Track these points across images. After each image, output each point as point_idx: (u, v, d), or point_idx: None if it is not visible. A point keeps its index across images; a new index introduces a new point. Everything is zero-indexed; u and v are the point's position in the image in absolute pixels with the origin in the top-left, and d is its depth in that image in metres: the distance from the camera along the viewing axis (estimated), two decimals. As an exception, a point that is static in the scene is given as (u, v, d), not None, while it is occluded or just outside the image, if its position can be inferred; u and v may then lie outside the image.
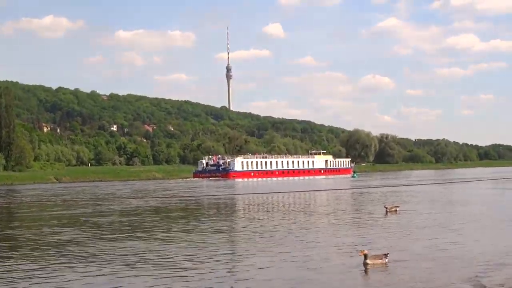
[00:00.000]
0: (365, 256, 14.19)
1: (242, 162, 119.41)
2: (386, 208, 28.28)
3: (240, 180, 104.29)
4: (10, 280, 13.55)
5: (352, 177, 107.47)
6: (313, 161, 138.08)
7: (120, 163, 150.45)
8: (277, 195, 46.30)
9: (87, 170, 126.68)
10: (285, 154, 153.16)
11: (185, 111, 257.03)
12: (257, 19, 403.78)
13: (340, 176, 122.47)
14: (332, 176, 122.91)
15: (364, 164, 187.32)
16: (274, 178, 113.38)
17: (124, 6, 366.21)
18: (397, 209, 28.39)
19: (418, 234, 19.91)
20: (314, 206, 34.37)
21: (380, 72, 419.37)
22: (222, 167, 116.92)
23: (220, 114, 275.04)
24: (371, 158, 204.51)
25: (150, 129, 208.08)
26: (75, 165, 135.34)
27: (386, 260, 14.36)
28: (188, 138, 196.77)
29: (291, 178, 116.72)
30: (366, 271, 13.70)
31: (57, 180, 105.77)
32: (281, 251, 16.53)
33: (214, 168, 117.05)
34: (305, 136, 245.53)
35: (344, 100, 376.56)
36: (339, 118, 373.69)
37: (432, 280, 12.65)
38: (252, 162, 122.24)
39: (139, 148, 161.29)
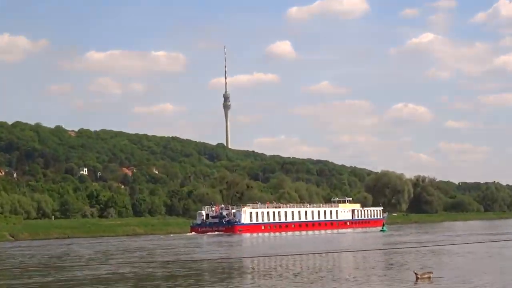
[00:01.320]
0: None
1: (250, 213, 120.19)
2: (417, 274, 27.93)
3: (248, 235, 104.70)
4: None
5: (381, 230, 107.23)
6: (337, 211, 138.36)
7: (91, 215, 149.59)
8: (293, 257, 45.81)
9: (51, 224, 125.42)
10: (297, 202, 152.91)
11: (173, 150, 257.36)
12: (261, 36, 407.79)
13: (371, 229, 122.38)
14: (360, 229, 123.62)
15: (395, 214, 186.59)
16: (290, 233, 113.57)
17: (96, 21, 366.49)
18: (430, 275, 28.01)
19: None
20: (336, 271, 33.89)
21: (414, 100, 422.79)
22: (227, 219, 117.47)
23: (216, 154, 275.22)
24: (404, 207, 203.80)
25: (129, 173, 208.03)
26: (35, 218, 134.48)
27: None
28: (177, 184, 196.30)
29: (310, 232, 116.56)
30: None
31: (12, 237, 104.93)
32: None
33: (217, 220, 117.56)
34: (321, 179, 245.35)
35: (369, 135, 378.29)
36: (363, 158, 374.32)
37: None
38: (262, 213, 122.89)
39: (116, 196, 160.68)
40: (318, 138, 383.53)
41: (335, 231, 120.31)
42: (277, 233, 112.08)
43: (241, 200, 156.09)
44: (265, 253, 53.29)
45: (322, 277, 31.05)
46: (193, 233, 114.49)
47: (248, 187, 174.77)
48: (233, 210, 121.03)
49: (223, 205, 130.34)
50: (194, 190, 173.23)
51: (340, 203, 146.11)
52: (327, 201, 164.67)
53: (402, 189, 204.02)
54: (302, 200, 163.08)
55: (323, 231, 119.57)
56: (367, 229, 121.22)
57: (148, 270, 38.50)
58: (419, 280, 27.20)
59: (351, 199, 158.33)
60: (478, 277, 28.81)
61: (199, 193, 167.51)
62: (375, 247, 55.52)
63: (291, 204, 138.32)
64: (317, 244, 68.53)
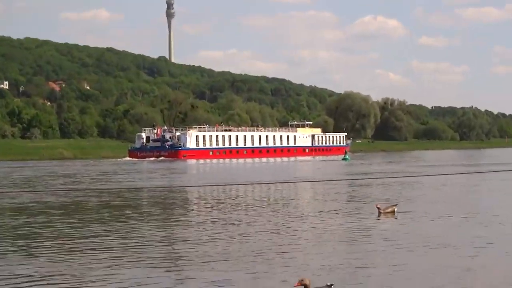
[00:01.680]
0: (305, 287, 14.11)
1: (197, 136, 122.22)
2: (379, 208, 28.32)
3: (194, 162, 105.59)
4: None
5: (343, 159, 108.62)
6: (294, 137, 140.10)
7: (12, 136, 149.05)
8: (245, 187, 46.04)
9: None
10: (249, 125, 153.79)
11: (107, 62, 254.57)
12: None
13: (332, 157, 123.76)
14: (321, 158, 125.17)
15: (359, 141, 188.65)
16: (241, 160, 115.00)
17: None
18: (395, 209, 28.46)
19: (412, 252, 19.76)
20: (291, 204, 34.25)
21: (384, 12, 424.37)
22: (170, 143, 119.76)
23: (157, 68, 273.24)
24: (370, 133, 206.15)
25: (57, 88, 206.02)
26: None
27: None
28: (111, 101, 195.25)
29: (264, 159, 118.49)
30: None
31: None
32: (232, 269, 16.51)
33: (158, 144, 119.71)
34: (277, 100, 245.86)
35: (332, 51, 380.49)
36: (324, 76, 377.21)
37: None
38: (211, 136, 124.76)
39: (41, 114, 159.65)
40: (274, 53, 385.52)
41: (292, 158, 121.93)
42: (227, 160, 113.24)
43: (184, 121, 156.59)
44: (213, 182, 53.59)
45: (275, 210, 31.35)
46: (131, 158, 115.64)
47: (192, 107, 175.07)
48: (178, 133, 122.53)
49: (165, 127, 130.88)
50: (131, 109, 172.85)
51: (299, 127, 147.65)
52: (283, 124, 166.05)
53: (367, 113, 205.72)
54: (254, 123, 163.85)
55: (278, 159, 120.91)
56: (328, 158, 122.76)
57: (77, 199, 38.43)
58: (381, 215, 27.62)
59: (311, 123, 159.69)
60: (447, 212, 29.35)
61: (136, 112, 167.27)
62: (335, 178, 56.14)
63: (243, 128, 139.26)
64: (271, 173, 69.07)
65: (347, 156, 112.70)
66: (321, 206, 32.94)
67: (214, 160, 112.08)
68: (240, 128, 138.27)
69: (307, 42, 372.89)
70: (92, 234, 23.94)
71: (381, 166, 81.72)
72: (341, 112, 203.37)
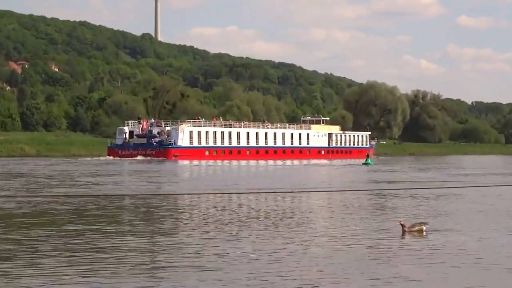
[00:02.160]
0: None
1: (191, 132, 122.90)
2: (403, 226, 28.26)
3: (186, 163, 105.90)
4: None
5: (365, 163, 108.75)
6: (308, 135, 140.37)
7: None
8: (247, 196, 46.23)
9: None
10: (250, 119, 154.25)
11: (80, 40, 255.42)
12: None
13: (354, 161, 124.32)
14: (339, 161, 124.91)
15: (384, 142, 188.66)
16: (244, 162, 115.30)
17: None
18: (423, 228, 28.38)
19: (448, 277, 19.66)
20: (301, 217, 34.25)
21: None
22: (158, 139, 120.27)
23: (140, 48, 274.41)
24: (397, 132, 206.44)
25: (18, 69, 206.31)
26: None
27: None
28: (84, 87, 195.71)
29: (271, 162, 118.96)
30: None
31: None
32: None
33: (144, 140, 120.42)
34: (285, 89, 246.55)
35: (352, 31, 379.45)
36: (343, 62, 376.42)
37: None
38: (207, 132, 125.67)
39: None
40: (281, 33, 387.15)
41: (304, 161, 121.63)
42: (226, 162, 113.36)
43: (172, 113, 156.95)
44: (209, 188, 53.50)
45: (280, 225, 31.26)
46: (110, 156, 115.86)
47: (182, 96, 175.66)
48: (167, 128, 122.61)
49: (153, 120, 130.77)
50: (108, 97, 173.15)
51: (313, 124, 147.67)
52: (291, 120, 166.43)
53: (394, 108, 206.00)
54: (257, 117, 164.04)
55: (288, 162, 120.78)
56: (348, 161, 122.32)
57: (42, 207, 38.36)
58: (406, 234, 27.52)
59: (327, 119, 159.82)
60: (487, 234, 29.22)
61: (114, 101, 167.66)
62: (353, 187, 56.19)
63: (247, 123, 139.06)
64: (279, 179, 69.10)
65: (369, 160, 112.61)
66: (334, 221, 32.79)
67: (211, 162, 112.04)
68: (243, 124, 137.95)
69: (321, 20, 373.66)
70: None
71: (409, 173, 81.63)
72: (362, 107, 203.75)
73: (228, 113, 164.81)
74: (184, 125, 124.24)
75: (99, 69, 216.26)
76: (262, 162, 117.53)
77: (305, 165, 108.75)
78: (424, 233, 27.69)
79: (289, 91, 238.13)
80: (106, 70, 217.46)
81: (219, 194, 47.32)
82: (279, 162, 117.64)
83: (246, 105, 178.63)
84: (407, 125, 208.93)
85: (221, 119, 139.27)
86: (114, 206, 40.28)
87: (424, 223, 28.88)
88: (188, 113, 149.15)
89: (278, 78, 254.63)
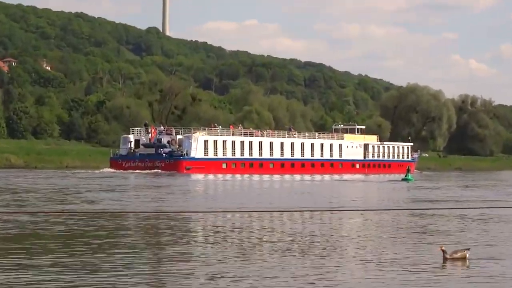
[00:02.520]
0: None
1: (206, 141, 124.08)
2: (445, 252, 28.61)
3: (201, 176, 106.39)
4: None
5: (404, 179, 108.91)
6: (340, 146, 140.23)
7: None
8: (270, 214, 46.88)
9: None
10: (272, 127, 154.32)
11: (76, 34, 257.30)
12: None
13: (392, 176, 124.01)
14: (376, 177, 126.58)
15: (426, 155, 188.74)
16: (266, 176, 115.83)
17: None
18: (466, 255, 28.71)
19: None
20: (329, 240, 34.81)
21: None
22: (168, 149, 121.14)
23: (145, 44, 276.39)
24: (441, 143, 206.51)
25: (5, 68, 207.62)
26: None
27: None
28: (80, 89, 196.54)
29: (297, 176, 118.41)
30: None
31: None
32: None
33: (152, 151, 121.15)
34: (312, 93, 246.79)
35: (390, 27, 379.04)
36: (379, 62, 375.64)
37: None
38: (225, 142, 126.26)
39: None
40: (308, 28, 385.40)
41: (336, 176, 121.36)
42: (247, 176, 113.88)
43: (182, 119, 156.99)
44: (227, 207, 53.89)
45: (305, 249, 31.88)
46: (113, 169, 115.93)
47: (194, 99, 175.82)
48: (179, 136, 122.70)
49: (163, 128, 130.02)
50: (108, 100, 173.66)
51: (346, 133, 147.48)
52: (320, 128, 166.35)
53: (438, 115, 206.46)
54: (279, 124, 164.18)
55: (317, 176, 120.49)
56: (386, 177, 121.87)
57: (33, 226, 38.90)
58: (448, 261, 27.82)
59: (363, 127, 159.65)
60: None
61: (115, 105, 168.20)
62: (391, 206, 56.65)
63: (270, 132, 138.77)
64: (304, 197, 69.49)
65: (410, 176, 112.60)
66: (368, 245, 33.40)
67: (229, 176, 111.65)
68: (265, 132, 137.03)
69: (355, 13, 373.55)
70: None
71: (455, 191, 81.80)
72: (401, 113, 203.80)
73: (246, 119, 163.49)
74: (198, 133, 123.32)
75: (98, 68, 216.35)
76: (287, 176, 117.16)
77: (336, 180, 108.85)
78: (467, 261, 28.18)
79: (317, 95, 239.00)
80: (105, 69, 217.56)
81: (239, 213, 48.14)
82: (307, 177, 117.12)
83: (267, 111, 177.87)
84: (453, 135, 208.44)
85: (240, 127, 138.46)
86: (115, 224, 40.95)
87: (467, 249, 29.40)
88: (200, 120, 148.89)
89: (305, 80, 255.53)
